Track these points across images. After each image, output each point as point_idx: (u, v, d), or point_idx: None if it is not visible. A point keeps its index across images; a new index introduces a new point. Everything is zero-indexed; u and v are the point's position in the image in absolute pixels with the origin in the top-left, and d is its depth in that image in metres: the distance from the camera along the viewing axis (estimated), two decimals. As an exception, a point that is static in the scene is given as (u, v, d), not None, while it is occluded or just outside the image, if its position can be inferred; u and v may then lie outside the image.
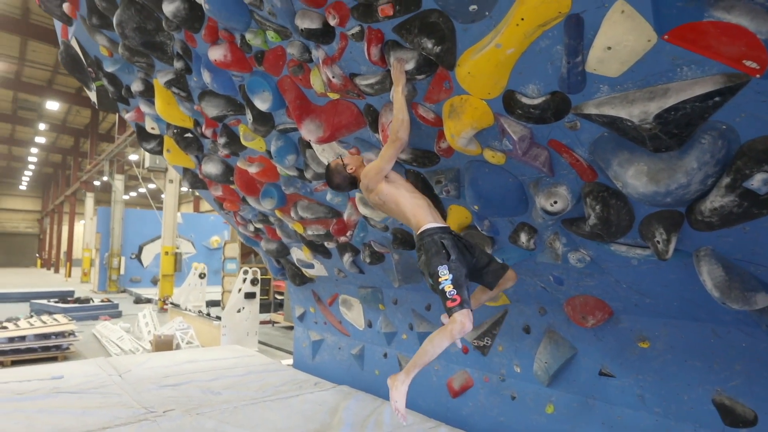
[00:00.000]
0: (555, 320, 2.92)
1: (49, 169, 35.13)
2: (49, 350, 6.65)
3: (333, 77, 2.38)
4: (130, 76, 3.81)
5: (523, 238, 2.49)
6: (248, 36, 2.57)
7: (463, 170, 2.45)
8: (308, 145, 3.07)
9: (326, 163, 2.68)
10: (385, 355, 4.23)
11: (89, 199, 24.00)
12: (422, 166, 2.56)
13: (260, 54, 2.68)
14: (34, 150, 28.15)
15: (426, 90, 2.19)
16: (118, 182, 18.59)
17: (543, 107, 1.87)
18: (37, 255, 39.65)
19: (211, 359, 5.31)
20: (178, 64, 3.15)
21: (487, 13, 1.77)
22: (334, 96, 2.58)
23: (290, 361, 6.11)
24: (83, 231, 23.71)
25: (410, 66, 2.06)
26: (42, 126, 23.33)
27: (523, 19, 1.66)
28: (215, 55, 2.76)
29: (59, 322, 7.08)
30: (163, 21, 2.89)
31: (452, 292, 2.17)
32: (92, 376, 4.46)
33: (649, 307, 2.43)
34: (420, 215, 2.38)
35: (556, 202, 2.14)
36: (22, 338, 6.46)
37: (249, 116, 3.12)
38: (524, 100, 1.90)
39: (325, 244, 4.02)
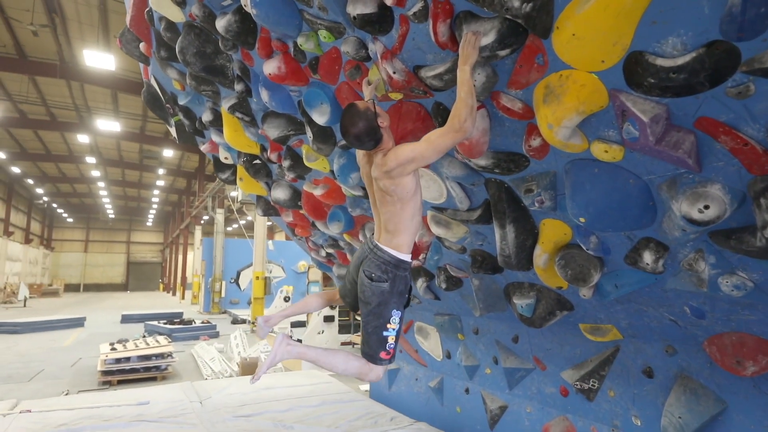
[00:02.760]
0: (690, 363, 2.09)
1: (168, 207, 38.41)
2: (150, 370, 6.65)
3: (394, 73, 1.86)
4: (201, 107, 3.59)
5: (648, 258, 1.75)
6: (300, 41, 2.14)
7: (561, 174, 1.78)
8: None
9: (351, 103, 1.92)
10: (467, 391, 3.52)
11: (198, 232, 25.55)
12: (507, 172, 1.92)
13: (315, 61, 2.24)
14: (156, 192, 30.91)
15: (510, 72, 1.59)
16: (219, 216, 19.54)
17: (692, 68, 1.18)
18: (160, 280, 43.09)
19: (288, 386, 4.88)
20: (238, 87, 2.82)
21: (602, -61, 1.15)
22: (396, 96, 2.05)
23: (367, 386, 5.54)
24: (193, 259, 25.22)
25: (490, 39, 1.47)
26: (161, 171, 25.52)
27: (664, -69, 1.03)
28: (270, 68, 2.37)
29: (159, 344, 7.13)
30: (219, 41, 2.58)
31: (392, 345, 2.00)
32: (175, 403, 4.20)
33: None
34: (406, 238, 1.95)
35: (707, 207, 1.40)
36: (127, 359, 6.53)
37: (309, 134, 2.69)
38: (659, 62, 1.23)
39: (397, 268, 3.45)
